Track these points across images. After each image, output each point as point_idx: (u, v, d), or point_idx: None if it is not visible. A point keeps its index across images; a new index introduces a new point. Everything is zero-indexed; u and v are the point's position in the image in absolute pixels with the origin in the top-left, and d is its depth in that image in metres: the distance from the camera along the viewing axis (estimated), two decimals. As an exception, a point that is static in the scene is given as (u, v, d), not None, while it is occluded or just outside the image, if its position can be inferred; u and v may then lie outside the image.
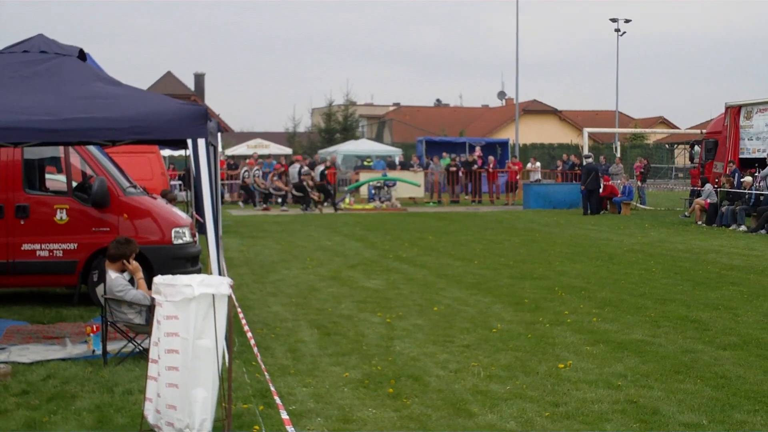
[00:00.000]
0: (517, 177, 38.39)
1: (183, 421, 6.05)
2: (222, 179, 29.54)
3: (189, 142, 8.11)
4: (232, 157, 45.18)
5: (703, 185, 26.98)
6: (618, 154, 39.22)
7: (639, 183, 35.34)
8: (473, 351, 9.13)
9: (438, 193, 38.52)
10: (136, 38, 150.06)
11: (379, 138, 71.11)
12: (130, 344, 8.62)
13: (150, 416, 6.24)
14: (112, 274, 8.87)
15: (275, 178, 34.86)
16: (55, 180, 12.46)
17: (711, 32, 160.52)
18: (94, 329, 9.00)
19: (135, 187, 12.27)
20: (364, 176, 38.89)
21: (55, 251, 11.44)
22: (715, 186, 26.04)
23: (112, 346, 8.75)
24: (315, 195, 32.05)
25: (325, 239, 21.08)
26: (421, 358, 8.80)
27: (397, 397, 7.43)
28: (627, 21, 56.57)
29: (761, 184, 24.45)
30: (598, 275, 14.60)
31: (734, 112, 27.92)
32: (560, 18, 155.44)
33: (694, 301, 12.03)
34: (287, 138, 67.61)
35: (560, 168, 40.17)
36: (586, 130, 40.17)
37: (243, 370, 8.12)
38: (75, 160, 11.93)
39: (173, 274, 6.49)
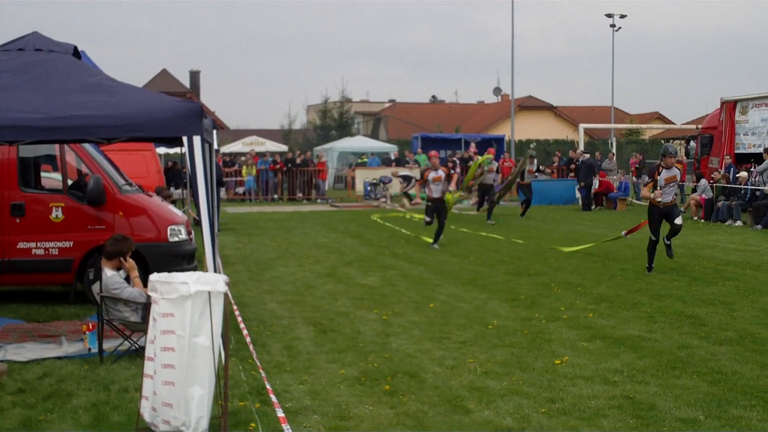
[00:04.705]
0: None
1: (179, 419, 6.05)
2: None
3: (185, 139, 8.10)
4: (228, 154, 45.10)
5: (698, 180, 27.02)
6: (613, 150, 39.19)
7: (634, 179, 35.39)
8: (469, 347, 9.14)
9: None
10: (131, 36, 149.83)
11: (374, 135, 71.05)
12: (126, 342, 8.62)
13: (146, 414, 6.24)
14: (108, 272, 8.86)
15: None
16: (51, 178, 12.45)
17: (707, 27, 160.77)
18: (90, 327, 8.99)
19: (131, 184, 12.26)
20: (359, 173, 38.87)
21: (50, 249, 11.42)
22: (711, 182, 26.08)
23: (108, 344, 8.74)
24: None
25: (321, 236, 21.08)
26: (417, 355, 8.80)
27: (394, 393, 7.43)
28: (622, 16, 56.49)
29: (757, 179, 24.48)
30: (594, 271, 14.61)
31: (730, 107, 27.96)
32: (555, 13, 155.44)
33: (690, 296, 12.04)
34: (282, 135, 67.52)
35: (556, 164, 40.19)
36: (582, 126, 40.14)
37: (239, 367, 8.12)
38: (70, 158, 11.92)
39: (169, 271, 6.48)
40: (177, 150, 24.05)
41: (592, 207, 30.38)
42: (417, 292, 12.66)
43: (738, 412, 6.88)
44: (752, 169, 25.29)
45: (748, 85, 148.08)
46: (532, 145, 26.24)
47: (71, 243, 11.46)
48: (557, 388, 7.58)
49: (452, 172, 19.83)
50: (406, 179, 34.38)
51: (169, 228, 11.79)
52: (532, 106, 72.23)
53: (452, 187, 19.49)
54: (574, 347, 9.10)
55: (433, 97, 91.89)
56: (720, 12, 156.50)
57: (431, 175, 18.65)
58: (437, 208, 18.61)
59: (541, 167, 29.06)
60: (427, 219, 18.97)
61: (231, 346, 8.36)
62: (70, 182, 11.79)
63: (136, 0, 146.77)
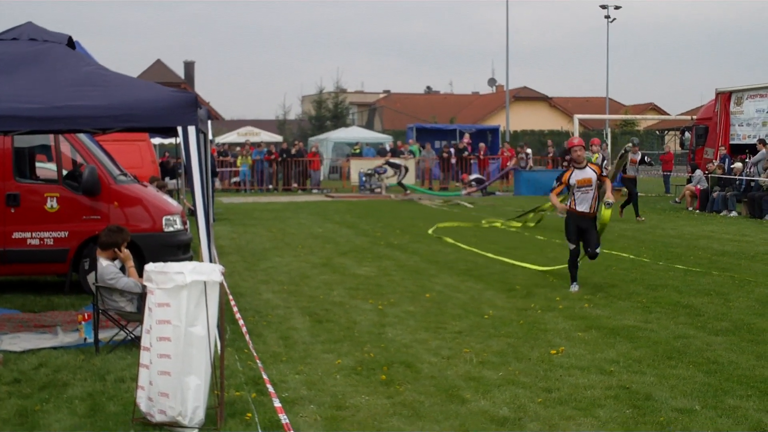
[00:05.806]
0: (509, 163, 38.35)
1: (175, 408, 6.04)
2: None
3: (179, 129, 8.08)
4: (223, 144, 45.07)
5: (693, 171, 27.04)
6: (608, 141, 39.21)
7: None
8: (465, 337, 9.13)
9: (429, 180, 38.56)
10: (125, 26, 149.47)
11: (369, 125, 71.03)
12: (122, 332, 8.60)
13: (142, 404, 6.23)
14: (104, 262, 8.85)
15: None
16: (46, 168, 12.43)
17: (701, 18, 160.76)
18: (86, 317, 8.97)
19: (125, 175, 12.24)
20: (354, 163, 38.79)
21: (46, 239, 11.40)
22: (706, 172, 26.10)
23: (104, 334, 8.73)
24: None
25: (316, 226, 21.06)
26: (413, 345, 8.79)
27: (390, 383, 7.43)
28: (617, 7, 56.58)
29: (752, 170, 24.52)
30: (589, 261, 14.58)
31: (725, 98, 27.97)
32: (550, 4, 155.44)
33: (685, 286, 12.05)
34: (277, 125, 67.53)
35: (551, 154, 40.22)
36: (577, 117, 40.15)
37: (235, 357, 8.11)
38: (65, 148, 11.90)
39: (164, 261, 6.47)
40: (172, 140, 24.02)
41: None
42: (412, 282, 12.66)
43: (734, 402, 6.89)
44: (747, 160, 25.31)
45: (743, 76, 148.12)
46: (633, 140, 22.27)
47: (66, 233, 11.44)
48: (553, 378, 7.58)
49: (604, 173, 12.14)
50: (394, 167, 34.30)
51: (164, 218, 11.77)
52: (526, 96, 72.29)
53: (609, 197, 11.97)
54: (570, 337, 9.10)
55: (428, 87, 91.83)
56: (715, 2, 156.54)
57: (574, 176, 11.89)
58: (585, 228, 11.93)
59: (647, 158, 23.69)
60: (572, 246, 12.01)
61: (227, 336, 8.35)
62: (65, 172, 11.76)
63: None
